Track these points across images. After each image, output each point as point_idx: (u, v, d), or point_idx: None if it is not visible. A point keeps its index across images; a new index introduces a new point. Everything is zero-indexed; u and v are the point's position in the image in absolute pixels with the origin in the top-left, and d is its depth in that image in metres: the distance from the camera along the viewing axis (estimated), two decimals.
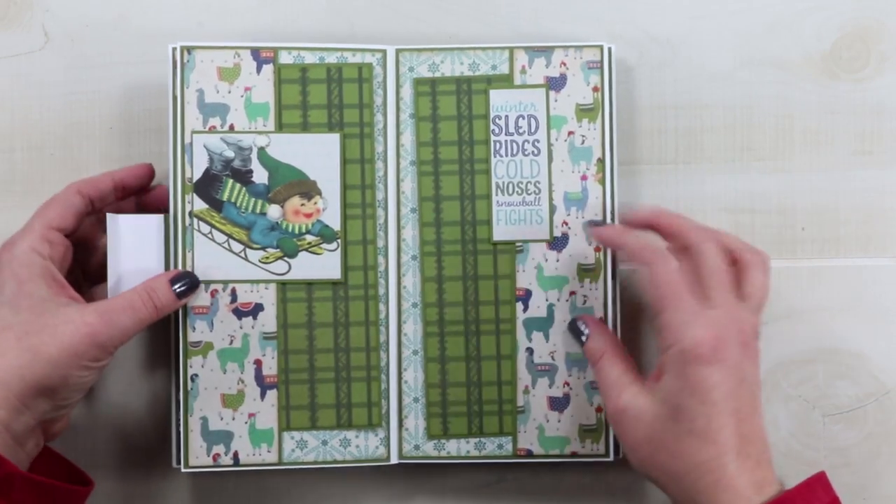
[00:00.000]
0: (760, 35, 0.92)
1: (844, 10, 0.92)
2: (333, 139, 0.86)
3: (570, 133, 0.88)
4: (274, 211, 0.86)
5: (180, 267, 0.85)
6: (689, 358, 0.75)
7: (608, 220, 0.87)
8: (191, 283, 0.84)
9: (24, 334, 0.77)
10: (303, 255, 0.86)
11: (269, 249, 0.86)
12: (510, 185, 0.88)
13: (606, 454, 0.88)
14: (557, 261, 0.88)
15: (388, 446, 0.88)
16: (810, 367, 0.92)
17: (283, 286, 0.86)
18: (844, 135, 0.93)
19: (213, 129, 0.86)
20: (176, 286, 0.83)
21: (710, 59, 0.93)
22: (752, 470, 0.75)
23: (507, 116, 0.88)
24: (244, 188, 0.86)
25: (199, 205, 0.85)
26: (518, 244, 0.88)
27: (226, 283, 0.86)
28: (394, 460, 0.88)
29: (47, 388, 0.77)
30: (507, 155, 0.88)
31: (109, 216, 0.84)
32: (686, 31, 0.92)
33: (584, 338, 0.84)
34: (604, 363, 0.82)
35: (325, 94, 0.87)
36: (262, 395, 0.86)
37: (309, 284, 0.86)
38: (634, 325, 0.92)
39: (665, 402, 0.76)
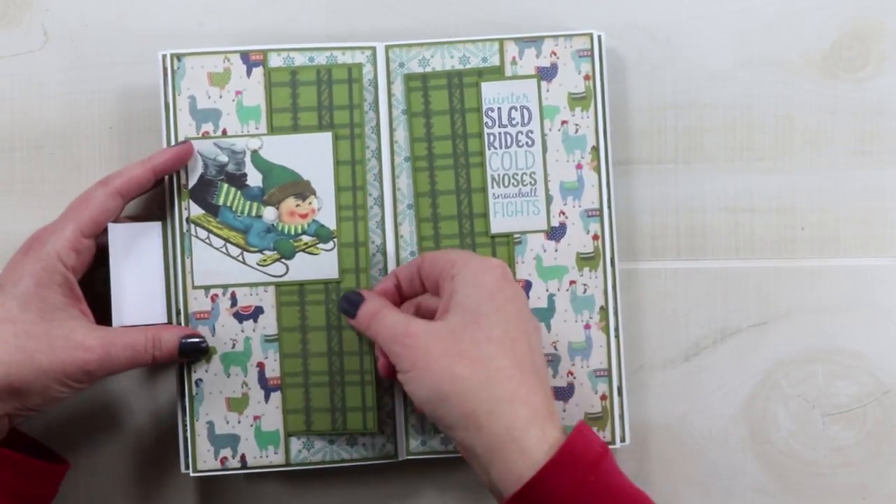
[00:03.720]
0: (760, 35, 0.92)
1: (844, 10, 0.92)
2: (325, 138, 0.86)
3: (564, 122, 0.88)
4: (269, 213, 0.86)
5: (179, 272, 0.85)
6: (484, 268, 0.77)
7: (605, 210, 0.88)
8: (198, 347, 0.85)
9: (23, 334, 0.77)
10: (300, 256, 0.86)
11: (266, 252, 0.86)
12: (506, 177, 0.88)
13: (612, 441, 0.88)
14: (556, 250, 0.88)
15: (394, 443, 0.88)
16: (810, 367, 0.92)
17: (281, 288, 0.86)
18: (844, 135, 0.92)
19: (206, 135, 0.86)
20: (183, 346, 0.84)
21: (710, 58, 0.92)
22: (545, 397, 0.74)
23: (499, 108, 0.88)
24: (239, 192, 0.86)
25: (196, 210, 0.86)
26: (516, 236, 0.88)
27: (225, 287, 0.86)
28: (401, 457, 0.88)
29: (24, 391, 0.77)
30: (501, 147, 0.88)
31: (111, 225, 0.84)
32: (686, 30, 0.92)
33: (356, 307, 0.82)
34: (383, 314, 0.79)
35: (315, 96, 0.87)
36: (267, 398, 0.87)
37: (301, 286, 0.86)
38: (635, 314, 0.92)
39: (463, 310, 0.75)
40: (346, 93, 0.87)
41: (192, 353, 0.84)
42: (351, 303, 0.82)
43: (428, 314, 0.82)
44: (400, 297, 0.84)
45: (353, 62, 0.88)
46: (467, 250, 0.85)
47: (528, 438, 0.71)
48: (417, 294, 0.83)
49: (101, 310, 0.84)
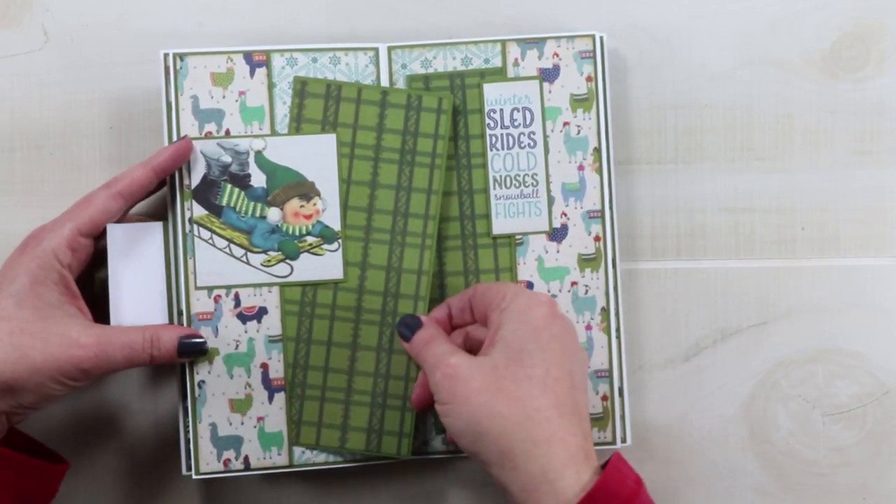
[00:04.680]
0: (760, 35, 0.92)
1: (844, 10, 0.92)
2: (329, 139, 0.86)
3: (566, 124, 0.88)
4: (274, 214, 0.86)
5: (182, 273, 0.85)
6: (532, 304, 0.77)
7: (606, 211, 0.88)
8: (198, 347, 0.84)
9: (18, 332, 0.77)
10: (304, 256, 0.86)
11: (270, 252, 0.86)
12: (507, 179, 0.88)
13: (613, 441, 0.88)
14: (558, 252, 0.88)
15: None
16: (810, 367, 0.92)
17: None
18: (844, 134, 0.92)
19: (209, 135, 0.86)
20: (183, 346, 0.83)
21: (710, 58, 0.92)
22: (583, 438, 0.74)
23: (501, 110, 0.88)
24: (243, 192, 0.85)
25: (199, 211, 0.85)
26: (518, 237, 0.88)
27: (228, 287, 0.86)
28: (402, 457, 0.88)
29: (19, 388, 0.77)
30: (503, 148, 0.88)
31: (109, 226, 0.84)
32: (686, 30, 0.92)
33: (412, 331, 0.82)
34: (435, 342, 0.79)
35: (402, 120, 0.87)
36: (270, 399, 0.86)
37: (357, 303, 0.86)
38: (635, 314, 0.93)
39: (507, 346, 0.75)
40: (433, 122, 0.87)
41: (192, 354, 0.84)
42: (408, 327, 0.82)
43: (475, 344, 0.82)
44: (451, 326, 0.84)
45: (443, 90, 0.88)
46: (518, 284, 0.85)
47: (562, 480, 0.72)
48: (468, 324, 0.83)
49: (100, 311, 0.84)
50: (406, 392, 0.86)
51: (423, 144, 0.87)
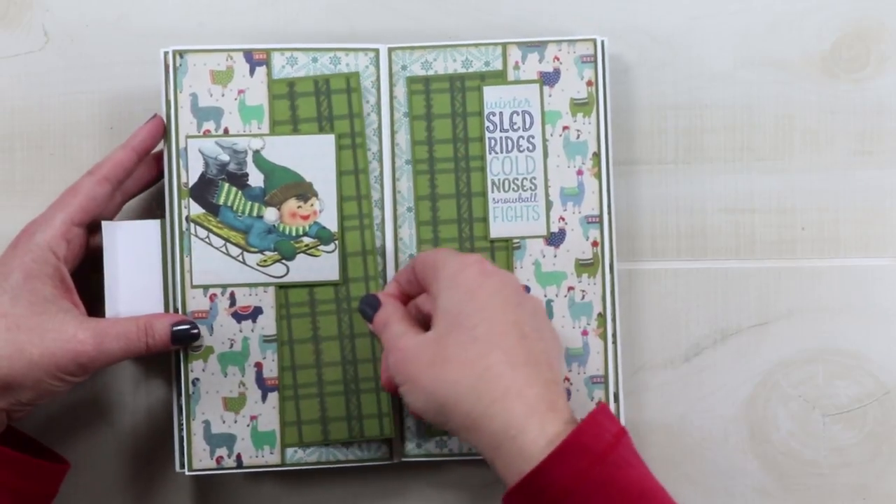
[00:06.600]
0: (760, 35, 0.92)
1: (844, 10, 0.92)
2: (328, 140, 0.86)
3: (565, 128, 0.88)
4: (271, 214, 0.85)
5: (178, 271, 0.85)
6: (460, 267, 0.75)
7: (605, 216, 0.88)
8: (191, 333, 0.84)
9: (14, 327, 0.77)
10: (301, 257, 0.86)
11: (266, 252, 0.86)
12: (506, 182, 0.88)
13: None
14: (555, 256, 0.88)
15: (390, 445, 0.88)
16: (810, 367, 0.92)
17: (289, 298, 0.86)
18: (844, 135, 0.92)
19: (207, 133, 0.86)
20: (175, 333, 0.83)
21: (710, 59, 0.92)
22: (544, 387, 0.72)
23: (501, 113, 0.88)
24: (240, 192, 0.85)
25: (196, 209, 0.85)
26: (515, 241, 0.88)
27: (224, 286, 0.86)
28: (396, 459, 0.88)
29: (17, 385, 0.77)
30: (502, 151, 0.88)
31: (105, 224, 0.84)
32: (686, 30, 0.92)
33: (374, 309, 0.81)
34: (391, 322, 0.78)
35: (315, 106, 0.87)
36: (264, 398, 0.87)
37: (310, 295, 0.87)
38: (636, 315, 0.92)
39: (445, 315, 0.74)
40: (345, 102, 0.87)
41: (185, 340, 0.84)
42: (370, 305, 0.81)
43: (425, 316, 0.81)
44: (406, 298, 0.83)
45: (351, 71, 0.87)
46: (449, 249, 0.82)
47: (524, 435, 0.70)
48: (420, 293, 0.82)
49: (95, 311, 0.85)
50: (376, 373, 0.86)
51: (341, 126, 0.87)
